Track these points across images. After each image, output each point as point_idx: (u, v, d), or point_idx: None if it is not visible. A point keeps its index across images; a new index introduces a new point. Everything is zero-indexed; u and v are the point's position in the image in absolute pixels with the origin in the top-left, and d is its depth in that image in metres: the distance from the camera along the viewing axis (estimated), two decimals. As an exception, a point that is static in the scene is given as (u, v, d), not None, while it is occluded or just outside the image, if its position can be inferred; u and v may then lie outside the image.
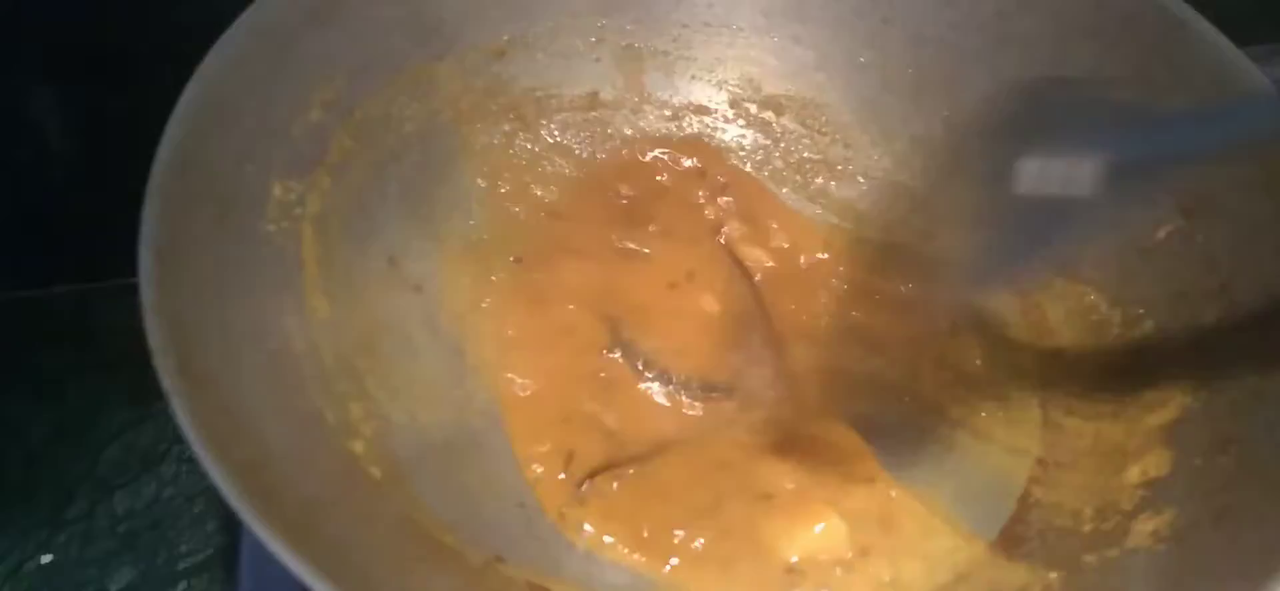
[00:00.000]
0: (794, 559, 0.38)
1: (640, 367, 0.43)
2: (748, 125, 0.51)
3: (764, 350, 0.44)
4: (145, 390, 0.58)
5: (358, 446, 0.36)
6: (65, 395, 0.58)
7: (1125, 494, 0.37)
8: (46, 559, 0.51)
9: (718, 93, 0.51)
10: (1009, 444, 0.41)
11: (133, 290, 0.62)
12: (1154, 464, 0.37)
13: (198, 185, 0.35)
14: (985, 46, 0.47)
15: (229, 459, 0.28)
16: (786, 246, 0.48)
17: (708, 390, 0.43)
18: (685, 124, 0.51)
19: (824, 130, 0.50)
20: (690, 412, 0.42)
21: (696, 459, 0.40)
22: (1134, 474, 0.37)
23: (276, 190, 0.38)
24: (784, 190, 0.50)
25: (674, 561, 0.37)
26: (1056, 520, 0.37)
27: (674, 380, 0.43)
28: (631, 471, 0.39)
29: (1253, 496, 0.32)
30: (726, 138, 0.51)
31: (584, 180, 0.49)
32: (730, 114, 0.51)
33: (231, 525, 0.54)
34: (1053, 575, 0.35)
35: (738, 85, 0.51)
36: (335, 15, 0.41)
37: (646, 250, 0.47)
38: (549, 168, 0.49)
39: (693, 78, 0.51)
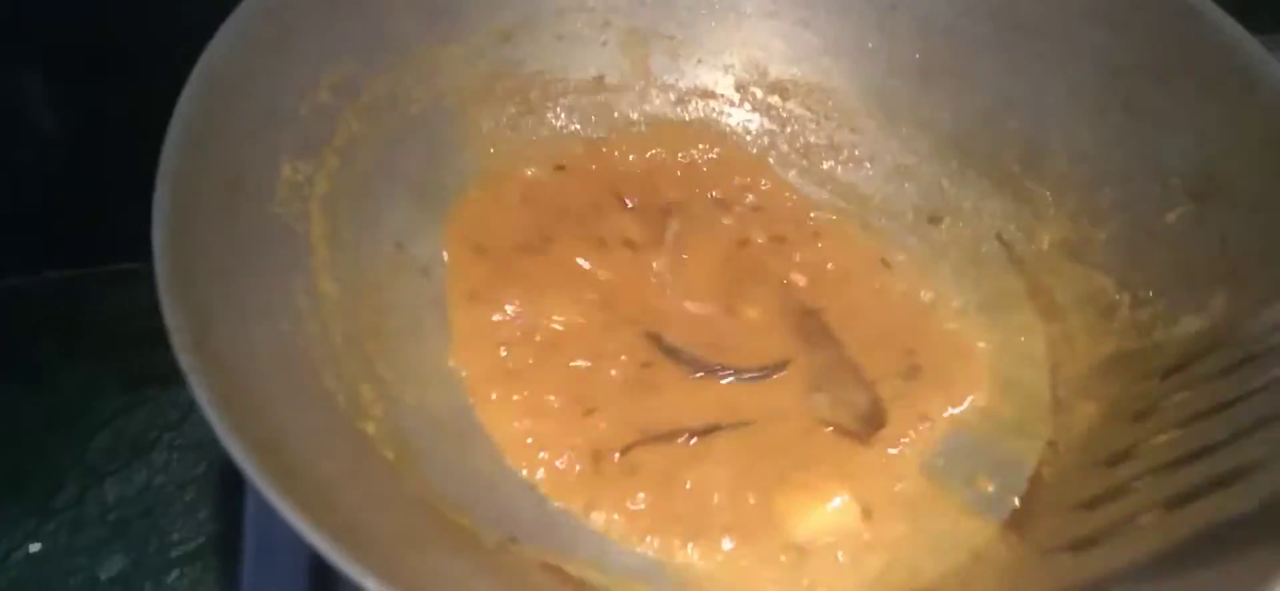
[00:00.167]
0: (805, 536, 0.37)
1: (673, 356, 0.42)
2: (754, 109, 0.51)
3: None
4: (136, 377, 0.58)
5: (370, 427, 0.36)
6: (55, 382, 0.57)
7: (1137, 478, 0.36)
8: (35, 547, 0.51)
9: (724, 77, 0.51)
10: (1020, 426, 0.41)
11: (123, 277, 0.62)
12: (1165, 442, 0.37)
13: (208, 164, 0.34)
14: (993, 33, 0.47)
15: (248, 436, 0.28)
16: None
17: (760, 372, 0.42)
18: (691, 108, 0.51)
19: (830, 115, 0.50)
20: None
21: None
22: (1145, 453, 0.37)
23: (285, 171, 0.38)
24: (790, 174, 0.50)
25: (690, 546, 0.37)
26: (1069, 500, 0.37)
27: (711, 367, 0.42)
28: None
29: (1268, 476, 0.32)
30: (732, 122, 0.51)
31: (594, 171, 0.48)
32: (736, 98, 0.51)
33: (224, 512, 0.53)
34: (1066, 556, 0.35)
35: (744, 69, 0.51)
36: (343, -4, 0.41)
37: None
38: (555, 152, 0.48)
39: (699, 62, 0.51)
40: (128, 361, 0.58)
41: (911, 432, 0.41)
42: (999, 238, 0.47)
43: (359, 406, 0.36)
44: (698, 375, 0.42)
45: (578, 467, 0.39)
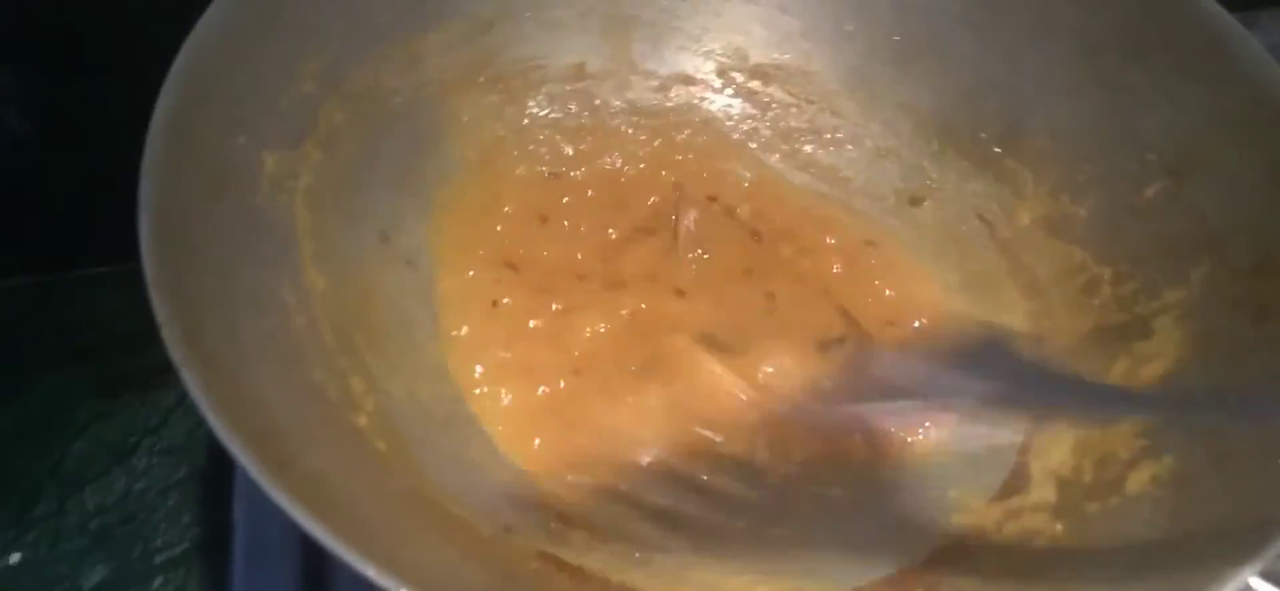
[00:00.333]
0: None
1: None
2: (736, 94, 0.51)
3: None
4: (112, 383, 0.57)
5: (361, 420, 0.35)
6: (28, 390, 0.56)
7: (1123, 444, 0.37)
8: (15, 558, 0.50)
9: (705, 62, 0.51)
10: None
11: (94, 282, 0.61)
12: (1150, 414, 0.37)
13: (191, 158, 0.34)
14: (970, 13, 0.47)
15: (244, 430, 0.27)
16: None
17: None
18: (673, 94, 0.51)
19: (811, 98, 0.51)
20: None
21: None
22: (1131, 424, 0.37)
23: (268, 163, 0.38)
24: (773, 158, 0.50)
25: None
26: (1058, 472, 0.38)
27: None
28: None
29: (1253, 442, 0.33)
30: (714, 108, 0.51)
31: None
32: (717, 84, 0.51)
33: (208, 516, 0.52)
34: (1058, 526, 0.36)
35: (725, 55, 0.51)
36: (322, -16, 0.41)
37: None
38: (539, 141, 0.48)
39: (680, 48, 0.51)
40: (103, 367, 0.58)
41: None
42: (980, 217, 0.47)
43: (350, 399, 0.36)
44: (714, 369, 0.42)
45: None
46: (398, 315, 0.41)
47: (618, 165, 0.49)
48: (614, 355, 0.42)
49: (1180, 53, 0.42)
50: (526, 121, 0.48)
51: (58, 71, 0.54)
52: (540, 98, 0.49)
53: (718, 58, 0.51)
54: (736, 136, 0.51)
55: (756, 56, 0.51)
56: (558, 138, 0.49)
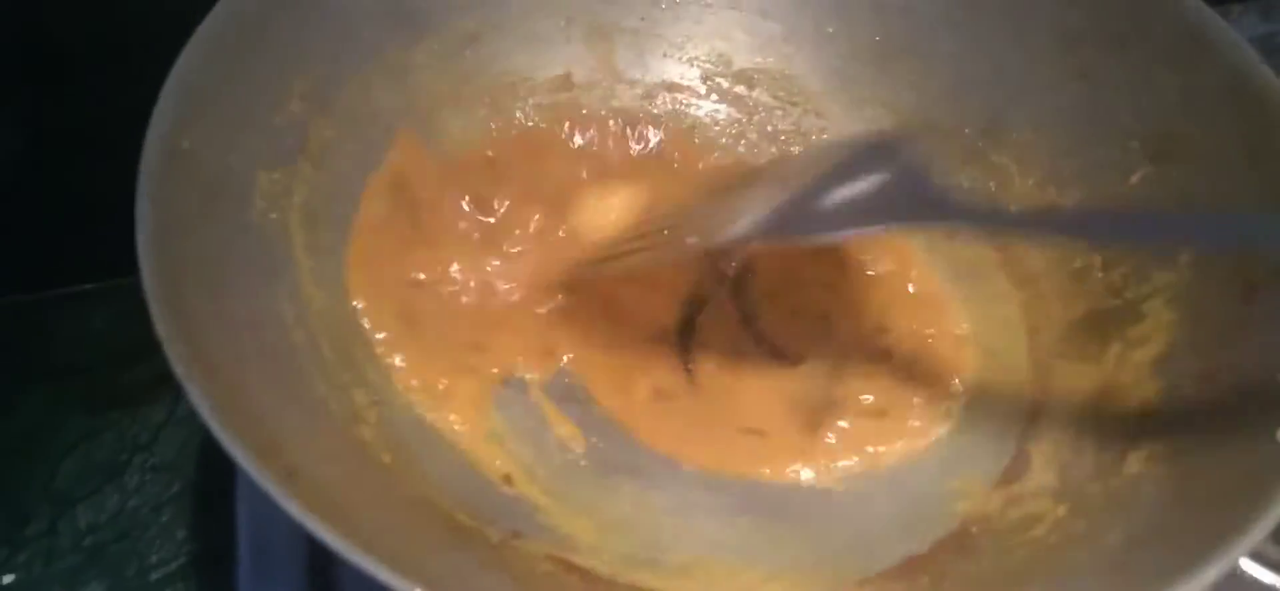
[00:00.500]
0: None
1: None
2: (721, 100, 0.51)
3: None
4: (100, 400, 0.57)
5: (365, 432, 0.35)
6: (14, 410, 0.56)
7: (1120, 425, 0.37)
8: (8, 579, 0.49)
9: (689, 69, 0.51)
10: (1002, 391, 0.42)
11: (76, 300, 0.60)
12: (1145, 395, 0.38)
13: (185, 176, 0.34)
14: (948, 10, 0.48)
15: (249, 441, 0.27)
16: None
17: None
18: (658, 102, 0.51)
19: (796, 101, 0.51)
20: None
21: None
22: (1127, 406, 0.38)
23: (262, 180, 0.38)
24: (761, 162, 0.50)
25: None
26: (1058, 456, 0.38)
27: None
28: None
29: (1249, 418, 0.33)
30: (700, 113, 0.51)
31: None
32: (702, 90, 0.51)
33: (204, 531, 0.52)
34: (1061, 509, 0.36)
35: (708, 61, 0.51)
36: (308, 2, 0.41)
37: None
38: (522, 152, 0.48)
39: (664, 55, 0.51)
40: (89, 385, 0.57)
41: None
42: (969, 210, 0.48)
43: (353, 411, 0.36)
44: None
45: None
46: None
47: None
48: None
49: (1157, 42, 0.43)
50: (515, 133, 0.48)
51: (41, 89, 0.54)
52: (527, 109, 0.49)
53: (701, 64, 0.51)
54: (723, 141, 0.51)
55: (740, 61, 0.51)
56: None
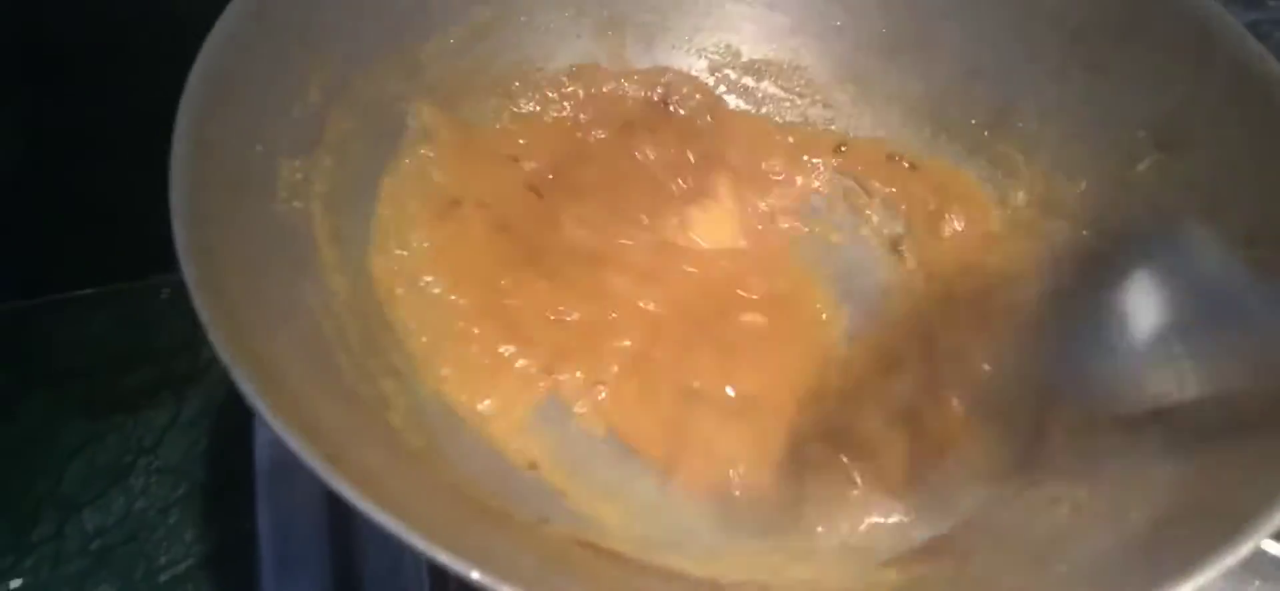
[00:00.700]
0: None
1: None
2: (729, 91, 0.52)
3: None
4: (102, 404, 0.56)
5: (395, 419, 0.36)
6: (17, 415, 0.55)
7: (1139, 408, 0.38)
8: (16, 583, 0.49)
9: (698, 60, 0.52)
10: (1016, 376, 0.42)
11: (75, 305, 0.60)
12: (1158, 380, 0.38)
13: (212, 168, 0.34)
14: (954, 2, 0.49)
15: (297, 428, 0.27)
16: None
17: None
18: (668, 93, 0.51)
19: (803, 92, 0.52)
20: None
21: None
22: (1144, 390, 0.38)
23: (284, 171, 0.38)
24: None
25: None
26: (1073, 441, 0.39)
27: None
28: None
29: (1264, 401, 0.34)
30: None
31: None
32: (711, 81, 0.52)
33: (211, 533, 0.52)
34: (1082, 490, 0.37)
35: (717, 52, 0.52)
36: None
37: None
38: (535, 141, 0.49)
39: (673, 46, 0.52)
40: (91, 389, 0.57)
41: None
42: (977, 199, 0.49)
43: (383, 398, 0.36)
44: None
45: None
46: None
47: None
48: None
49: (1161, 33, 0.43)
50: (526, 123, 0.49)
51: (41, 93, 0.53)
52: (540, 100, 0.49)
53: (710, 56, 0.52)
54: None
55: (748, 53, 0.52)
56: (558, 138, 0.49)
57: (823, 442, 0.40)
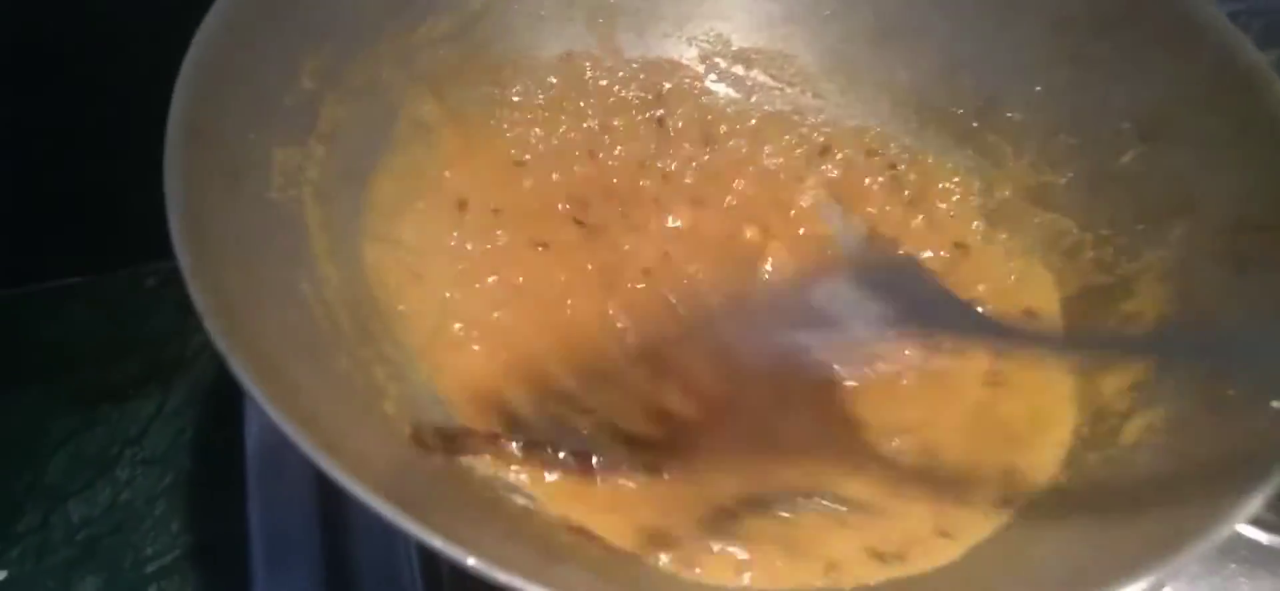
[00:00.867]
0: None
1: None
2: (719, 79, 0.52)
3: None
4: (89, 395, 0.56)
5: (388, 407, 0.36)
6: (2, 406, 0.55)
7: (1115, 398, 0.39)
8: (0, 576, 0.49)
9: (689, 49, 0.52)
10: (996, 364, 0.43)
11: (60, 295, 0.59)
12: (1139, 369, 0.39)
13: (206, 156, 0.34)
14: (941, -9, 0.49)
15: (293, 415, 0.27)
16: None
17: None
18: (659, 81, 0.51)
19: (793, 81, 0.52)
20: None
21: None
22: (1121, 380, 0.39)
23: (277, 159, 0.38)
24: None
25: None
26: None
27: None
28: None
29: (1245, 389, 0.34)
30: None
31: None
32: (701, 69, 0.52)
33: (197, 524, 0.52)
34: (1063, 477, 0.37)
35: (707, 41, 0.52)
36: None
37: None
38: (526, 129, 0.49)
39: (664, 35, 0.52)
40: (77, 381, 0.57)
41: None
42: (963, 190, 0.49)
43: (375, 386, 0.36)
44: None
45: None
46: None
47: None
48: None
49: (1146, 25, 0.44)
50: (517, 112, 0.49)
51: (21, 87, 0.53)
52: (531, 87, 0.49)
53: (701, 44, 0.52)
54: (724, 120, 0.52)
55: (739, 41, 0.52)
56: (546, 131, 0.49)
57: None
